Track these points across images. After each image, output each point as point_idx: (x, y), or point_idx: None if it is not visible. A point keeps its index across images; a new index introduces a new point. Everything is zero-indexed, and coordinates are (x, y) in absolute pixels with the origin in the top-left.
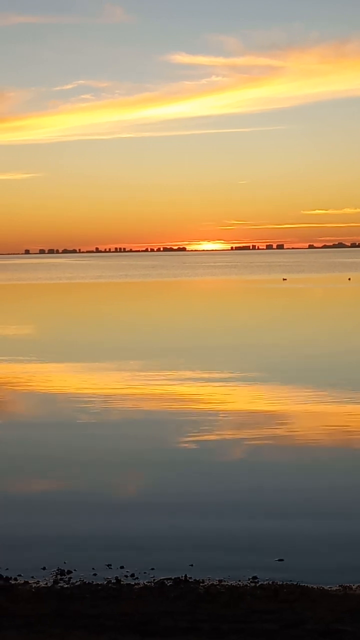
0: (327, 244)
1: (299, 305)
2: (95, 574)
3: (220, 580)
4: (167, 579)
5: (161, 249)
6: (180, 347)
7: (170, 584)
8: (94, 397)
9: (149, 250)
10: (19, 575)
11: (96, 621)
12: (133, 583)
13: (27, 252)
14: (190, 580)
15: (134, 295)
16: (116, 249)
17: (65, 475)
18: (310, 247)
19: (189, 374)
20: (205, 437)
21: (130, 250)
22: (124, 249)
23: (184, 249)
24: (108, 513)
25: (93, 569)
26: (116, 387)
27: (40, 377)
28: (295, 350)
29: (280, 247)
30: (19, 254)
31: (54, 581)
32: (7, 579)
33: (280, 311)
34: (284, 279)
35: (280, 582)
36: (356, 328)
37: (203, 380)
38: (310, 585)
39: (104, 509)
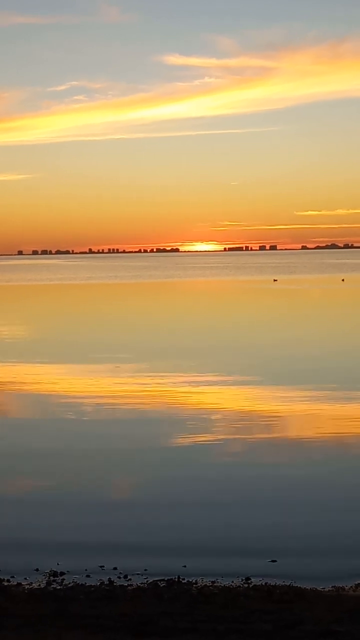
0: (320, 244)
1: (286, 306)
2: (88, 576)
3: (213, 582)
4: (160, 580)
5: (154, 249)
6: (167, 347)
7: (164, 585)
8: (84, 398)
9: (142, 251)
10: (12, 577)
11: (94, 622)
12: (126, 584)
13: (20, 253)
14: (183, 581)
15: (122, 296)
16: (109, 249)
17: (57, 476)
18: (303, 248)
19: (177, 374)
20: (198, 438)
21: (124, 251)
22: (118, 249)
23: (177, 250)
24: (100, 514)
25: (86, 570)
26: (104, 388)
27: (28, 377)
28: (278, 351)
29: (273, 248)
30: (12, 254)
31: (47, 582)
32: (0, 580)
33: (265, 312)
34: (274, 280)
35: (274, 583)
36: (342, 329)
37: (192, 380)
38: (303, 587)
39: (97, 510)
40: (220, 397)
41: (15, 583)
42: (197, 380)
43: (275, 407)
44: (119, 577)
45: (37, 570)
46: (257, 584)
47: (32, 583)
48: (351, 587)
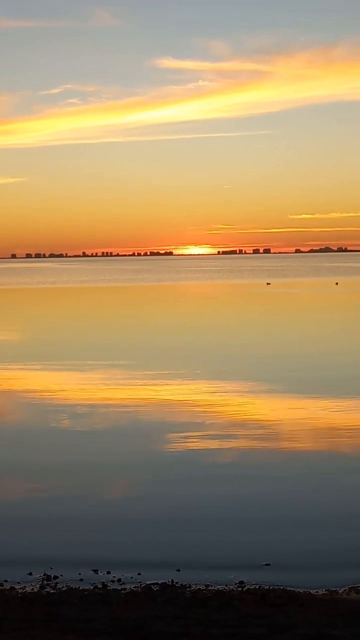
0: (314, 248)
1: (278, 310)
2: (82, 580)
3: (207, 585)
4: (154, 583)
5: (148, 253)
6: (152, 351)
7: (158, 589)
8: (76, 405)
9: (136, 254)
10: (5, 581)
11: (88, 626)
12: (120, 588)
13: (13, 256)
14: (177, 585)
15: (112, 300)
16: (103, 253)
17: (51, 480)
18: (297, 251)
19: (162, 380)
20: (191, 443)
21: (117, 255)
22: (111, 253)
23: (170, 253)
24: (94, 519)
25: (79, 574)
26: (95, 393)
27: (17, 382)
28: (267, 354)
29: (267, 251)
30: (5, 258)
31: (40, 586)
32: None
33: (256, 316)
34: (267, 284)
35: (267, 587)
36: (331, 332)
37: (182, 384)
38: (297, 590)
39: (90, 514)
40: (210, 403)
41: (8, 587)
42: (184, 386)
43: (270, 411)
44: (113, 581)
45: (30, 574)
46: (251, 587)
47: (25, 587)
48: (345, 590)
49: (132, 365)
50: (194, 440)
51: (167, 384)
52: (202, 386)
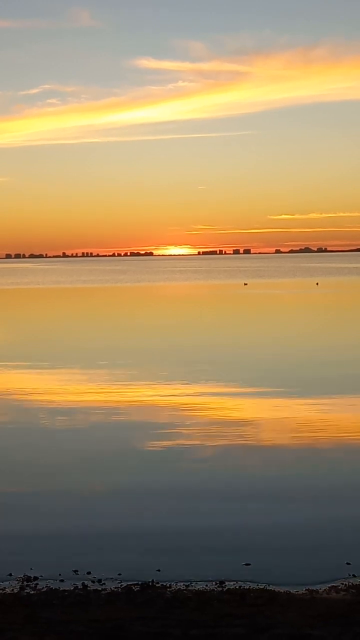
0: (294, 248)
1: (251, 310)
2: (62, 580)
3: (187, 585)
4: (134, 584)
5: (128, 253)
6: (127, 352)
7: (138, 589)
8: (47, 404)
9: (116, 254)
10: None
11: (67, 628)
12: (100, 589)
13: None
14: (157, 585)
15: (81, 301)
16: (83, 253)
17: (30, 480)
18: (277, 251)
19: (130, 380)
20: (171, 445)
21: (97, 255)
22: (91, 253)
23: (151, 254)
24: (75, 519)
25: (60, 575)
26: (63, 394)
27: None
28: (232, 355)
29: (247, 251)
30: None
31: (20, 588)
32: None
33: (226, 316)
34: (245, 284)
35: (248, 587)
36: (306, 333)
37: (159, 386)
38: (277, 589)
39: (70, 514)
40: (188, 405)
41: None
42: (161, 387)
43: (246, 410)
44: (93, 582)
45: (10, 575)
46: (231, 587)
47: (5, 588)
48: (324, 589)
49: (103, 367)
50: (174, 442)
51: (143, 385)
52: (178, 387)
